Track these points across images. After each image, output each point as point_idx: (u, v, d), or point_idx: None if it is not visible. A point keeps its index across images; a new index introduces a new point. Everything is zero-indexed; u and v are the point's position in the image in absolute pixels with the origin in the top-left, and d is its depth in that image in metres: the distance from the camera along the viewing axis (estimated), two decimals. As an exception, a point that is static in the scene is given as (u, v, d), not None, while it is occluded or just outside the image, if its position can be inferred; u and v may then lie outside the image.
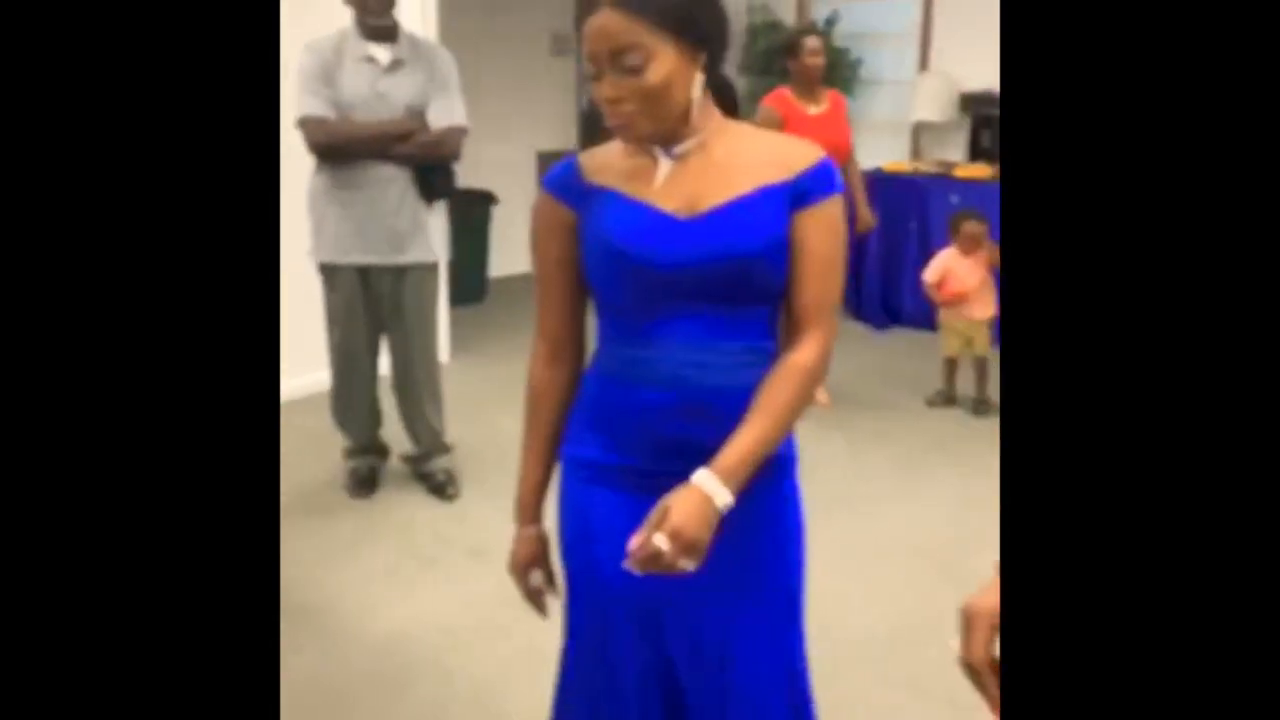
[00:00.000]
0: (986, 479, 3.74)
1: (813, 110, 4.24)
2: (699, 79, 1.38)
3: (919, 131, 6.67)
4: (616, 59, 1.32)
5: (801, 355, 1.41)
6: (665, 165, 1.42)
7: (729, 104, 1.48)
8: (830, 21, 6.66)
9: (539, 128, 7.31)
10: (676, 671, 1.52)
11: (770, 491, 1.49)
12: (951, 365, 4.74)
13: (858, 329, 5.86)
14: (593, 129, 8.11)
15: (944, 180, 5.76)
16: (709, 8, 1.38)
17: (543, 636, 1.85)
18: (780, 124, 4.04)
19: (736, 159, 1.41)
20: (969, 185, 5.63)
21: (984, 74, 6.08)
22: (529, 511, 1.60)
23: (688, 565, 1.30)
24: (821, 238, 1.40)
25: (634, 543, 1.30)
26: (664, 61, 1.32)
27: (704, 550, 1.30)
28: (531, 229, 1.52)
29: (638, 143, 1.41)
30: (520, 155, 7.21)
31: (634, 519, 1.35)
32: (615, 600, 1.50)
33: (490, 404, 4.58)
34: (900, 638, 2.85)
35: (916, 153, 6.65)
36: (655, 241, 1.39)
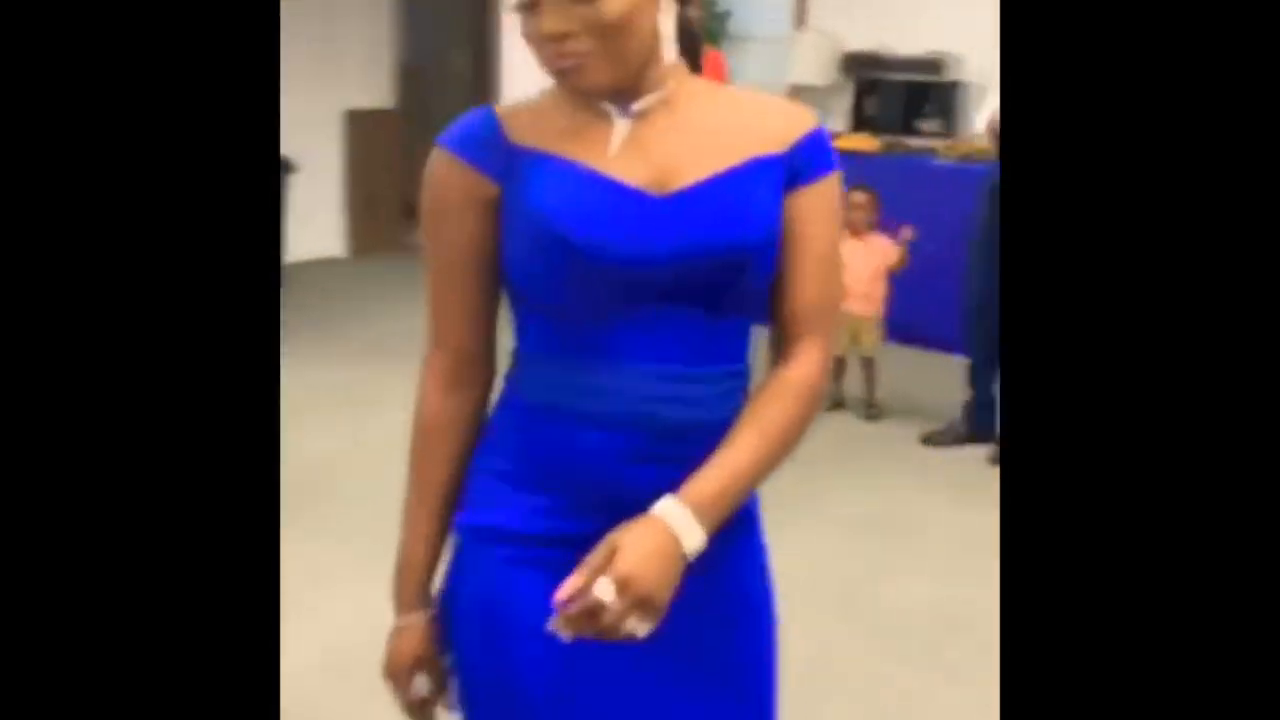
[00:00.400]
0: (882, 495, 3.69)
1: None
2: (671, 10, 1.16)
3: (795, 96, 6.22)
4: None
5: (801, 369, 1.20)
6: (622, 126, 1.17)
7: (690, 55, 1.23)
8: (700, -32, 6.02)
9: (346, 82, 6.78)
10: None
11: (738, 550, 1.25)
12: (839, 364, 4.49)
13: None
14: (414, 85, 7.43)
15: None
16: None
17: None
18: None
19: (713, 122, 1.19)
20: (853, 158, 5.14)
21: (868, 32, 5.83)
22: (415, 593, 1.28)
23: (637, 629, 1.05)
24: (822, 224, 1.20)
25: (565, 590, 1.03)
26: None
27: (661, 609, 1.07)
28: (426, 204, 1.23)
29: (587, 95, 1.15)
30: (324, 114, 6.68)
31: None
32: None
33: (298, 417, 3.71)
34: (799, 692, 2.30)
35: None
36: (618, 227, 1.14)
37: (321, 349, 4.94)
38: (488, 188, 1.17)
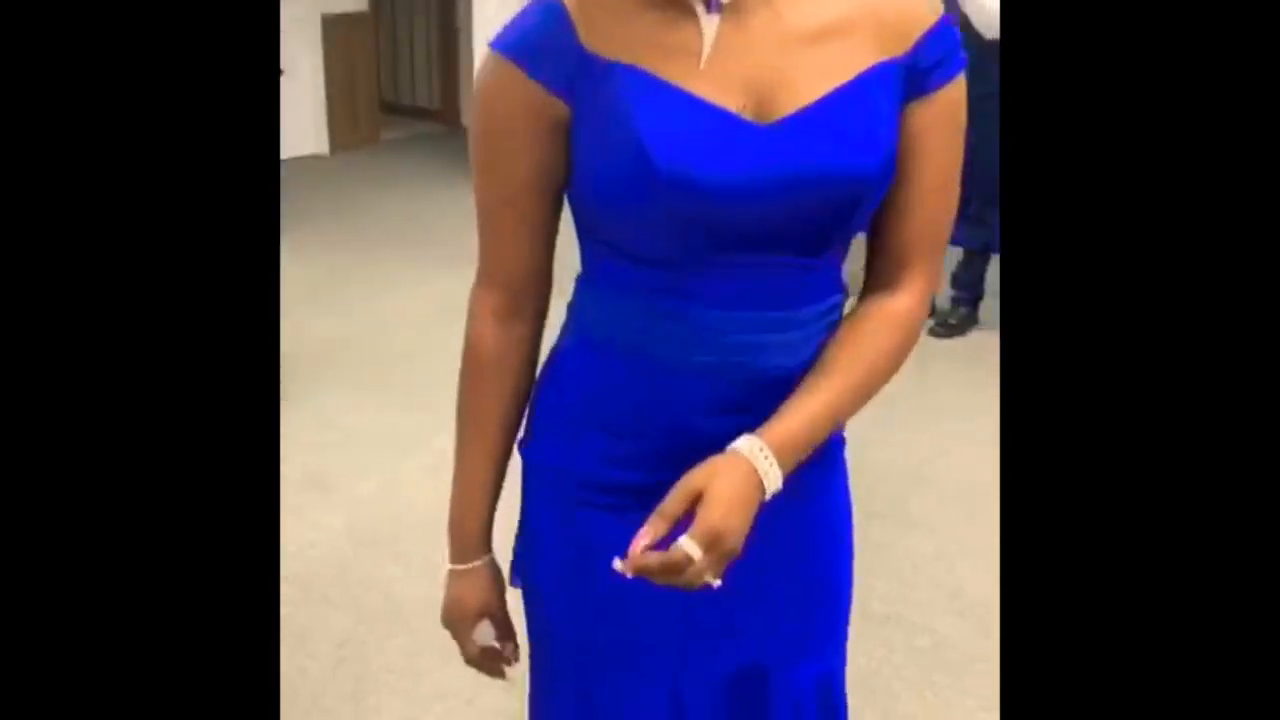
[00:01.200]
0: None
1: None
2: None
3: None
4: None
5: (906, 301, 1.04)
6: (710, 27, 0.96)
7: None
8: None
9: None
10: None
11: (823, 480, 1.14)
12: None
13: None
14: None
15: None
16: None
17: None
18: None
19: (819, 16, 0.97)
20: None
21: None
22: (475, 540, 1.16)
23: (714, 581, 0.94)
24: (946, 139, 1.00)
25: (643, 539, 0.92)
26: None
27: (738, 555, 0.95)
28: (480, 124, 1.02)
29: None
30: (304, 15, 6.52)
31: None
32: (630, 668, 1.13)
33: (296, 306, 3.96)
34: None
35: None
36: (716, 161, 0.94)
37: (321, 241, 5.05)
38: (557, 108, 0.97)
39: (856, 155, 0.96)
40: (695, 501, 0.92)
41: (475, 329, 1.10)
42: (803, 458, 0.99)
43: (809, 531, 1.14)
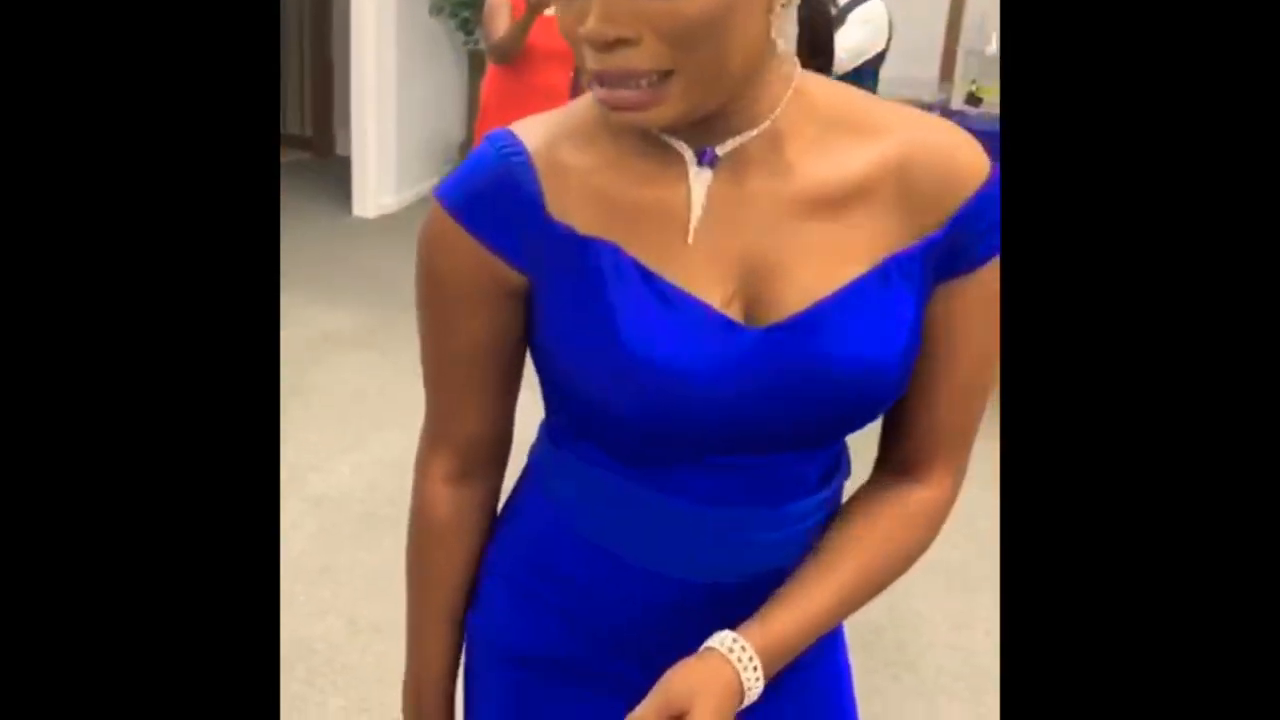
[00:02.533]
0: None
1: None
2: (794, 2, 0.76)
3: None
4: None
5: (934, 492, 0.89)
6: (701, 186, 0.79)
7: (817, 53, 0.97)
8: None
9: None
10: None
11: (823, 664, 0.98)
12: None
13: None
14: None
15: None
16: None
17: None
18: (510, 5, 3.63)
19: (834, 173, 0.79)
20: None
21: None
22: (437, 710, 1.02)
23: None
24: (982, 325, 0.83)
25: None
26: None
27: None
28: (427, 285, 0.87)
29: (661, 128, 0.77)
30: None
31: None
32: None
33: None
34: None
35: None
36: (705, 362, 0.79)
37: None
38: (513, 278, 0.83)
39: (868, 354, 0.80)
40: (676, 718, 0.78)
41: (425, 493, 0.96)
42: (792, 658, 0.84)
43: (810, 702, 0.99)
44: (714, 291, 0.80)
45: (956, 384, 0.85)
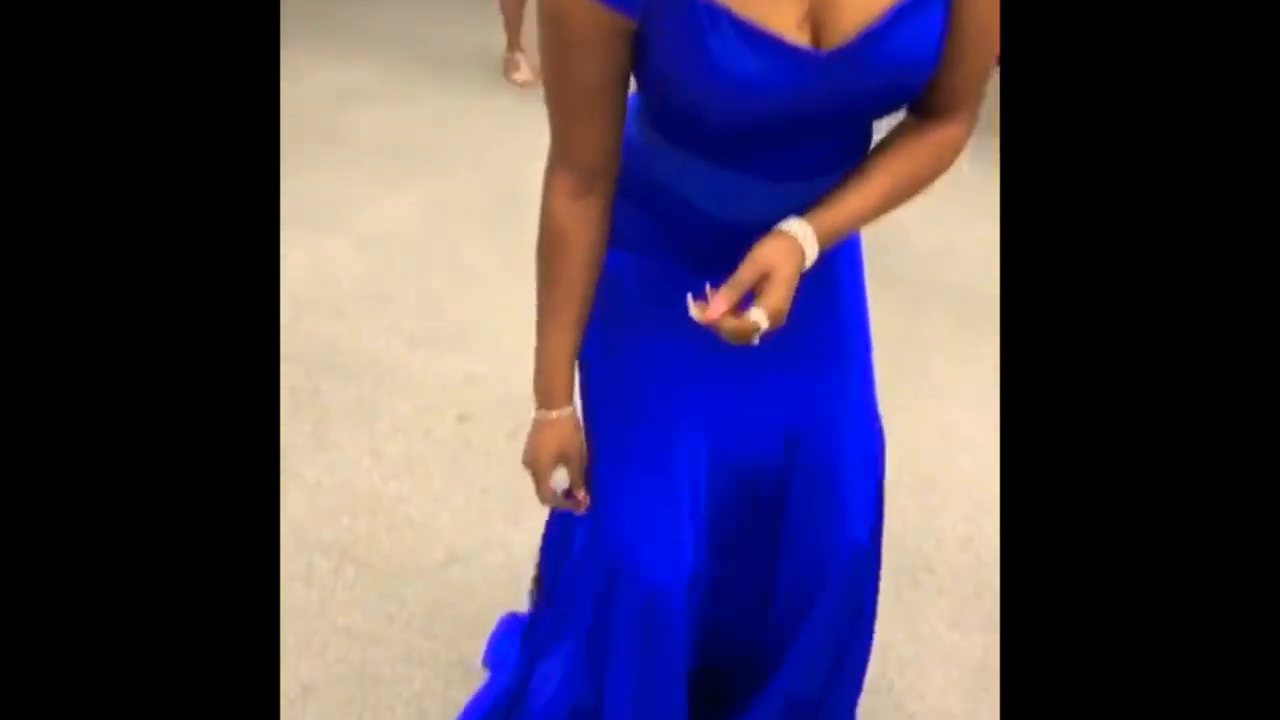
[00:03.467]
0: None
1: None
2: None
3: None
4: None
5: (952, 129, 1.14)
6: None
7: None
8: None
9: None
10: (755, 462, 1.33)
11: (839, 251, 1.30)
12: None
13: None
14: None
15: None
16: None
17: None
18: None
19: None
20: None
21: None
22: (559, 394, 1.24)
23: (756, 341, 1.09)
24: (988, 5, 1.05)
25: (718, 306, 1.05)
26: None
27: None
28: (548, 36, 1.04)
29: None
30: None
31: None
32: (682, 406, 1.29)
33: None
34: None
35: None
36: (790, 92, 1.01)
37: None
38: (624, 23, 1.00)
39: (913, 67, 1.03)
40: (763, 278, 1.06)
41: (552, 206, 1.14)
42: (838, 241, 1.13)
43: (826, 292, 1.29)
44: (788, 19, 0.99)
45: (968, 46, 1.06)
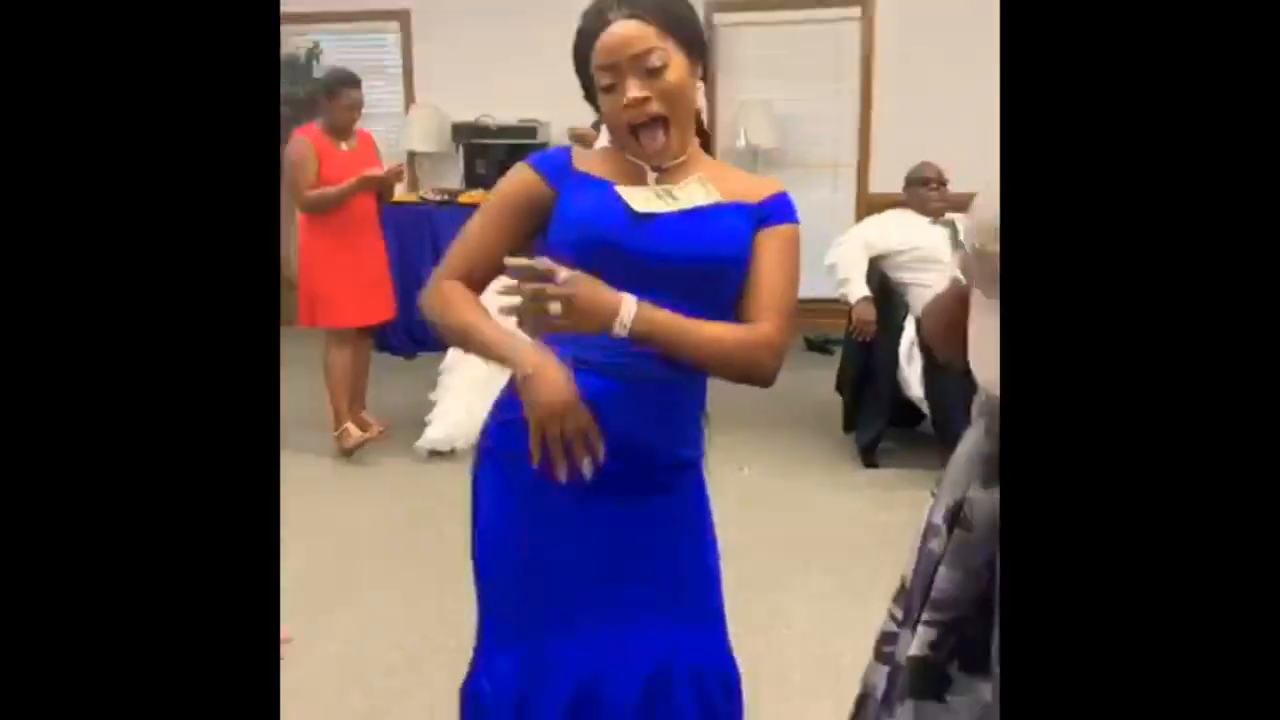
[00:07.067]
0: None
1: (344, 147, 4.33)
2: (700, 90, 1.51)
3: (414, 162, 6.81)
4: (638, 63, 1.43)
5: (757, 329, 1.48)
6: (652, 176, 1.51)
7: (701, 134, 1.58)
8: (313, 54, 6.60)
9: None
10: (607, 688, 1.54)
11: (691, 484, 1.59)
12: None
13: (385, 359, 5.56)
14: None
15: (452, 207, 5.94)
16: (700, 27, 1.51)
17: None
18: (316, 158, 4.18)
19: (712, 179, 1.52)
20: (471, 209, 5.69)
21: (471, 105, 6.49)
22: (529, 349, 1.44)
23: (555, 308, 1.33)
24: (778, 252, 1.51)
25: (521, 264, 1.34)
26: (678, 65, 1.45)
27: (579, 327, 1.36)
28: (500, 186, 1.55)
29: (651, 159, 1.49)
30: None
31: (574, 519, 1.48)
32: (554, 602, 1.52)
33: None
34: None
35: (414, 183, 6.73)
36: (638, 229, 1.45)
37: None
38: (546, 190, 1.50)
39: (714, 243, 1.46)
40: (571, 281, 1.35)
41: (433, 286, 1.52)
42: (655, 334, 1.39)
43: (684, 519, 1.56)
44: (644, 204, 1.45)
45: (765, 280, 1.48)
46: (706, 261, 1.46)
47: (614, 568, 1.50)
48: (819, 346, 6.16)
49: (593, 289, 1.36)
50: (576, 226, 1.46)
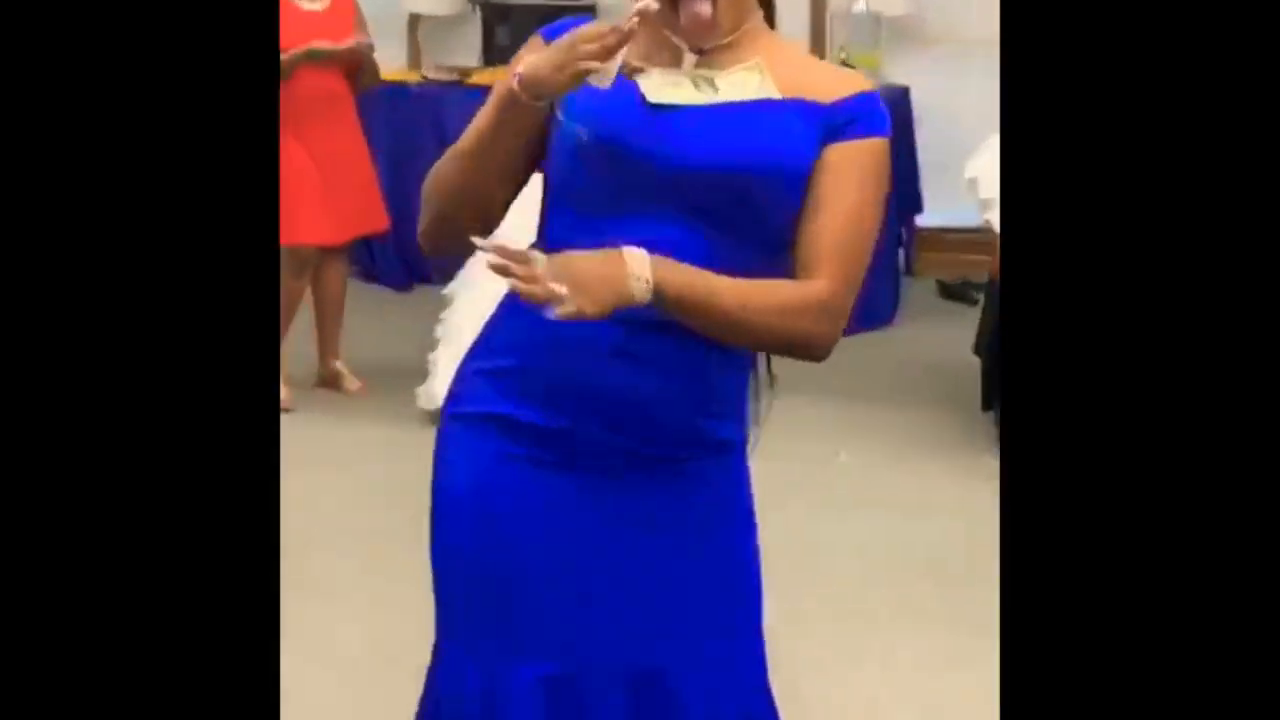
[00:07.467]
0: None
1: (308, 5, 3.66)
2: None
3: (416, 27, 5.95)
4: None
5: (808, 287, 1.26)
6: (689, 59, 1.29)
7: (766, 8, 1.36)
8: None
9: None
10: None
11: (721, 473, 1.37)
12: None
13: (373, 292, 5.15)
14: None
15: (463, 89, 5.14)
16: None
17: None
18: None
19: (773, 67, 1.29)
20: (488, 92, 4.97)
21: None
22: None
23: (557, 302, 1.15)
24: (850, 177, 1.26)
25: (510, 254, 1.16)
26: None
27: (592, 314, 1.17)
28: (511, 66, 1.30)
29: (694, 26, 1.25)
30: None
31: (552, 504, 1.32)
32: (520, 611, 1.34)
33: None
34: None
35: (416, 57, 5.94)
36: (653, 125, 1.26)
37: None
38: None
39: (761, 149, 1.24)
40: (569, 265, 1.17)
41: (432, 171, 1.34)
42: (676, 299, 1.19)
43: (704, 520, 1.34)
44: (670, 97, 1.27)
45: (829, 224, 1.26)
46: (737, 172, 1.25)
47: (601, 579, 1.33)
48: (958, 293, 5.14)
49: (580, 254, 1.19)
50: (575, 119, 1.26)
